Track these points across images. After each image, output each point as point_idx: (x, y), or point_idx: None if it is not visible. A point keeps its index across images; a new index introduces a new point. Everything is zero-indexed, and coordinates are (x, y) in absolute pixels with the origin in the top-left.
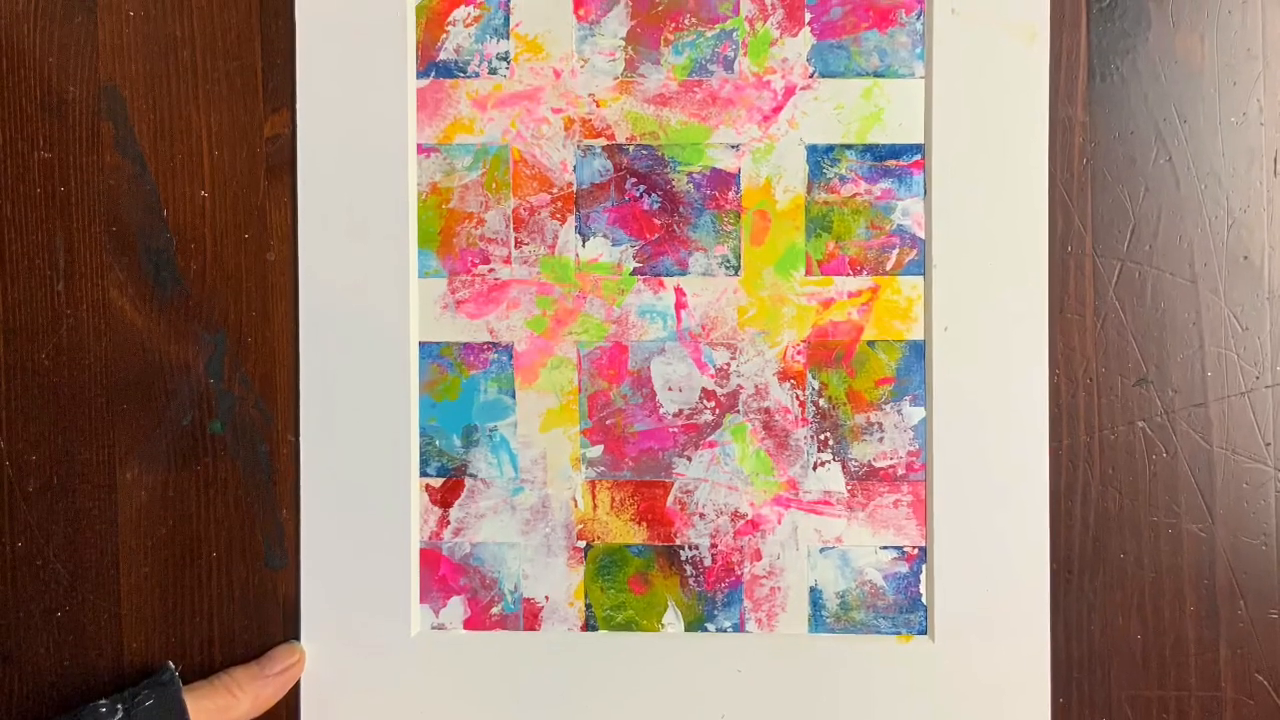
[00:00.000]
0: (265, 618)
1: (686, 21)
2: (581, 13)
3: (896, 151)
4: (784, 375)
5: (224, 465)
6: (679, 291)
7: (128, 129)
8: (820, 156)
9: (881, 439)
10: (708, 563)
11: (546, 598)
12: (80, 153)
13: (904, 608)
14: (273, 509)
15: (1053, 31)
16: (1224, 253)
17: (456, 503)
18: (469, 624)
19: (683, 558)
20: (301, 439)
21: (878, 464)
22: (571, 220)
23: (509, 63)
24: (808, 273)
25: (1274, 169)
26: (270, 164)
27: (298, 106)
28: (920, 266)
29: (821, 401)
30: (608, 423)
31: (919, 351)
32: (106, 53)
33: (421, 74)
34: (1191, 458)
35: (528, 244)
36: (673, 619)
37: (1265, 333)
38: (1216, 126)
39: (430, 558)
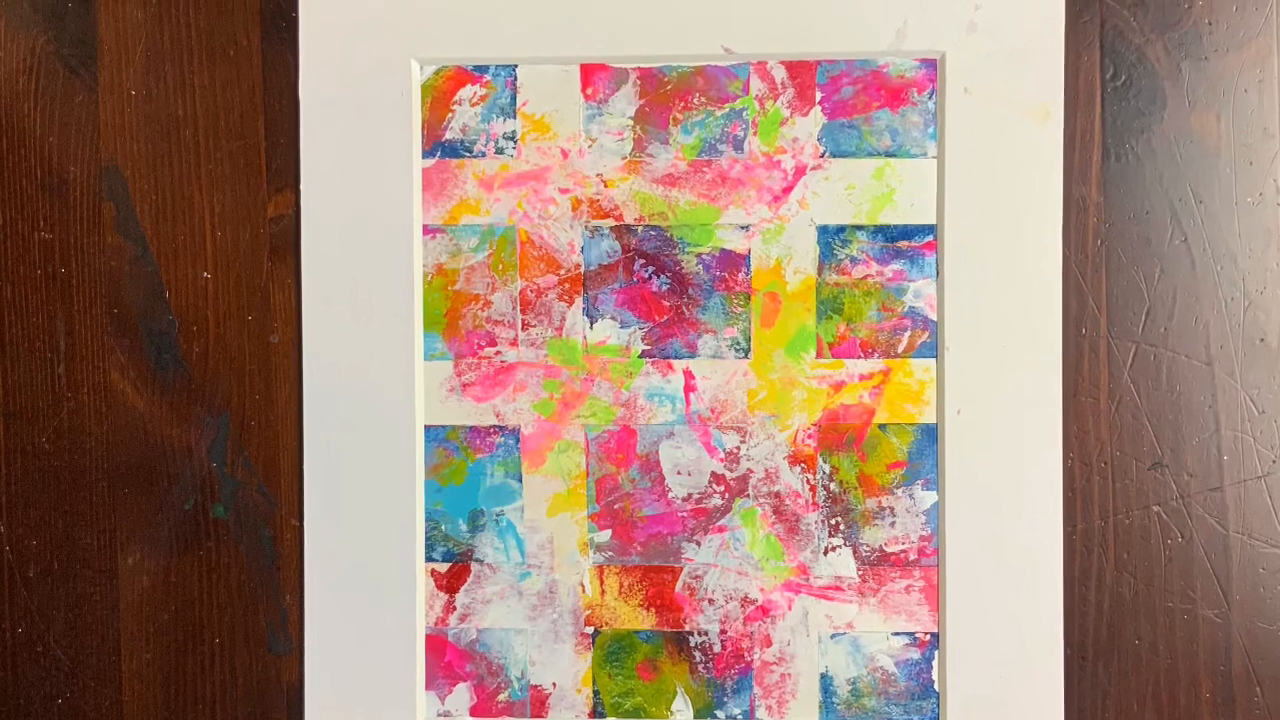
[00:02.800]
0: (269, 705)
1: (696, 100)
2: (589, 91)
3: (908, 232)
4: (794, 459)
5: (227, 550)
6: (688, 374)
7: (129, 209)
8: (831, 237)
9: (893, 523)
10: (717, 649)
11: (554, 684)
12: (81, 233)
13: (916, 694)
14: (276, 594)
15: (1066, 111)
16: (1240, 335)
17: (463, 588)
18: (475, 711)
19: (692, 644)
20: (305, 523)
21: (889, 549)
22: (579, 302)
23: (516, 142)
24: (818, 355)
25: None
26: (274, 245)
27: (301, 187)
28: (932, 349)
29: (832, 485)
30: (616, 507)
31: (931, 435)
32: (108, 132)
33: (427, 154)
34: (1207, 542)
35: (535, 326)
36: (682, 706)
37: None
38: (1233, 207)
39: (436, 644)
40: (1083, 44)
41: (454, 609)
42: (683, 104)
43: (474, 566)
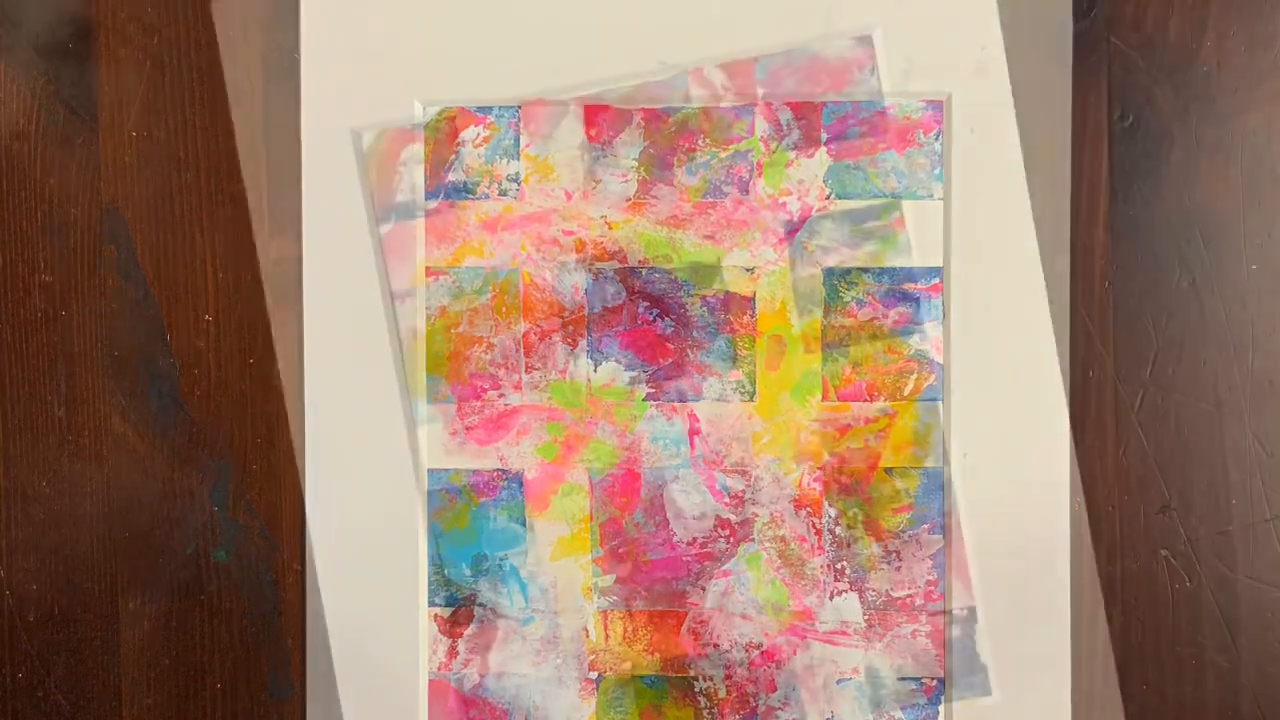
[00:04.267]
0: None
1: (700, 142)
2: (593, 133)
3: (914, 275)
4: (800, 503)
5: (228, 595)
6: (692, 417)
7: (130, 252)
8: (837, 280)
9: (899, 568)
10: (722, 694)
11: None
12: (82, 276)
13: None
14: (278, 639)
15: (1073, 152)
16: (1248, 378)
17: (466, 633)
18: None
19: (697, 689)
20: (307, 568)
21: (896, 593)
22: (583, 344)
23: (519, 184)
24: (824, 398)
25: None
26: (275, 287)
27: (304, 229)
28: (939, 392)
29: (838, 530)
30: (620, 551)
31: (937, 479)
32: (109, 174)
33: (430, 195)
34: (1215, 587)
35: (538, 369)
36: None
37: None
38: (1241, 249)
39: (439, 689)
40: (1090, 85)
41: (457, 654)
42: (687, 145)
43: (477, 611)
